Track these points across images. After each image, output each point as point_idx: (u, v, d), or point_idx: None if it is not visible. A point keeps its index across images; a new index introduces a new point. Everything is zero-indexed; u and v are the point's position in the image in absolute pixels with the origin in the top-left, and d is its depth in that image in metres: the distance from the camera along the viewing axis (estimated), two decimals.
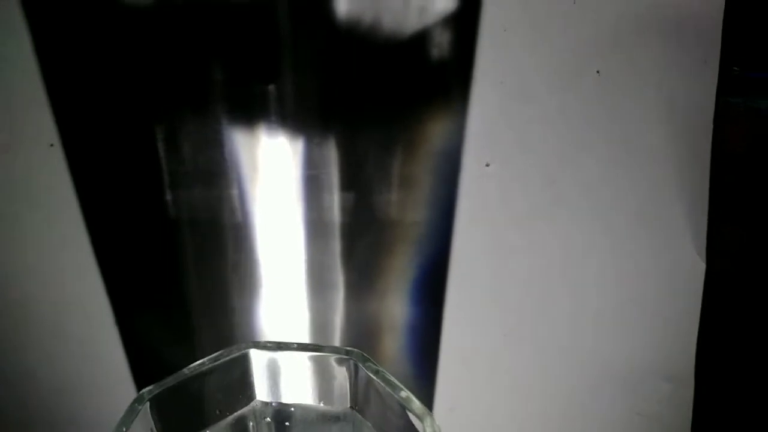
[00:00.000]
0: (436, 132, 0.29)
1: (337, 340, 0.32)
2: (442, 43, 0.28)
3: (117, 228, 0.31)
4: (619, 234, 0.31)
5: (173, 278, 0.32)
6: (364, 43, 0.28)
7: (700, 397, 0.33)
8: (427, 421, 0.18)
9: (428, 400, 0.33)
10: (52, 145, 0.29)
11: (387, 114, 0.29)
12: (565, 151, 0.30)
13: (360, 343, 0.32)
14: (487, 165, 0.30)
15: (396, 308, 0.32)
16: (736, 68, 0.31)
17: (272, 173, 0.30)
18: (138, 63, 0.29)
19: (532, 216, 0.31)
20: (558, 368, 0.33)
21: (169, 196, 0.30)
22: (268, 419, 0.21)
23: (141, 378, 0.33)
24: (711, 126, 0.29)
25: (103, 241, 0.31)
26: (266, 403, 0.21)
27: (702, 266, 0.31)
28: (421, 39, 0.28)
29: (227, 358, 0.20)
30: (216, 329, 0.32)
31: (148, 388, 0.19)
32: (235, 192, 0.30)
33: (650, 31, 0.28)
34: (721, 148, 0.30)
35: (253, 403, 0.21)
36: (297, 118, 0.29)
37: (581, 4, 0.28)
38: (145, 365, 0.32)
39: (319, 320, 0.32)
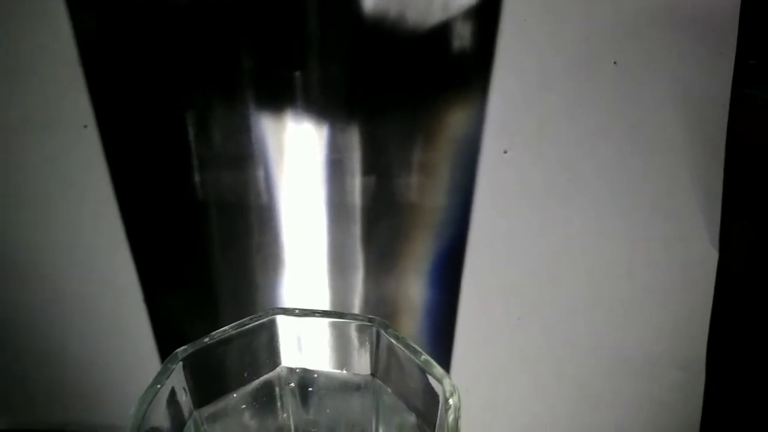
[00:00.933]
0: (456, 119, 0.30)
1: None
2: (463, 35, 0.29)
3: (148, 207, 0.32)
4: (634, 223, 0.32)
5: (200, 258, 0.33)
6: (389, 35, 0.29)
7: (711, 386, 0.33)
8: (446, 383, 0.18)
9: None
10: (85, 126, 0.31)
11: (409, 102, 0.30)
12: (582, 140, 0.30)
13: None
14: (505, 152, 0.30)
15: (413, 290, 0.33)
16: (752, 61, 0.31)
17: (297, 157, 0.31)
18: (171, 50, 0.30)
19: (549, 203, 0.31)
20: (572, 354, 0.34)
21: (197, 178, 0.32)
22: (293, 384, 0.22)
23: (166, 353, 0.34)
24: (726, 117, 0.30)
25: (134, 220, 0.32)
26: (291, 369, 0.22)
27: (715, 256, 0.32)
28: (443, 30, 0.29)
29: (256, 323, 0.21)
30: (240, 307, 0.33)
31: (182, 348, 0.20)
32: (261, 174, 0.31)
33: (667, 24, 0.29)
34: (737, 140, 0.31)
35: (278, 369, 0.22)
36: (322, 105, 0.30)
37: None
38: (170, 341, 0.34)
39: (339, 299, 0.33)
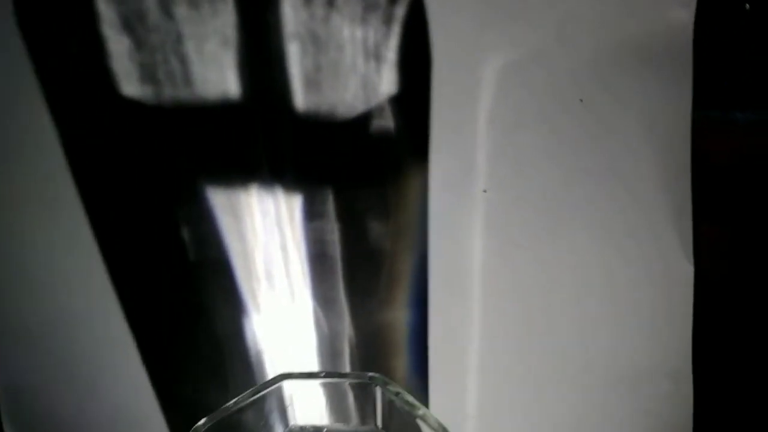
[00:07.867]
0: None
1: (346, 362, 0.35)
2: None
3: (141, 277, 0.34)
4: (613, 248, 0.33)
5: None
6: (324, 128, 0.32)
7: (700, 392, 0.35)
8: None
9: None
10: None
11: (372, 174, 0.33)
12: (558, 176, 0.32)
13: (368, 362, 0.35)
14: (485, 191, 0.32)
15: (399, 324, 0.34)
16: (725, 82, 0.33)
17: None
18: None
19: (532, 236, 0.33)
20: (565, 373, 0.35)
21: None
22: None
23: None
24: (689, 141, 0.32)
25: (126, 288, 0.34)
26: (302, 428, 0.24)
27: (691, 269, 0.33)
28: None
29: (264, 392, 0.22)
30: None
31: (201, 422, 0.21)
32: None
33: (626, 60, 0.31)
34: (703, 161, 0.33)
35: (289, 427, 0.24)
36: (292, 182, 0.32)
37: (561, 40, 0.31)
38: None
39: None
